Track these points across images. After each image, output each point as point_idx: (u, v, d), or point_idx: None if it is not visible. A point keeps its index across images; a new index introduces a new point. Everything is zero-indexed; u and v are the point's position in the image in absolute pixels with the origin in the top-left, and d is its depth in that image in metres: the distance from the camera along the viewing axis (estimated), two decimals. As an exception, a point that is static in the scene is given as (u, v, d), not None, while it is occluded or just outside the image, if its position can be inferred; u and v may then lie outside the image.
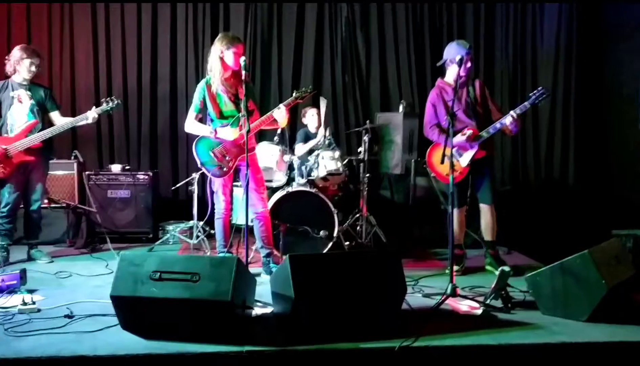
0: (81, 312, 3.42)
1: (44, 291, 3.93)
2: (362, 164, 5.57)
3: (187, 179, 5.25)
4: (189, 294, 2.97)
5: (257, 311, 3.50)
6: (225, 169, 4.26)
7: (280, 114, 4.25)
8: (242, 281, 3.12)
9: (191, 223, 5.35)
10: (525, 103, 4.35)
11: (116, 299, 3.07)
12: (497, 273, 4.49)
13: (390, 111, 6.61)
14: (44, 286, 4.07)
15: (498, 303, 3.65)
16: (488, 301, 3.66)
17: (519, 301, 3.74)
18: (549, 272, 3.51)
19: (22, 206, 4.83)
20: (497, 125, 4.37)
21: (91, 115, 4.61)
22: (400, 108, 6.44)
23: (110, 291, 3.07)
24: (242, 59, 4.05)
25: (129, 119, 6.51)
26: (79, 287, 4.10)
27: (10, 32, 6.30)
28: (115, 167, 5.83)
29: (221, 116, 4.28)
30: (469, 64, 4.42)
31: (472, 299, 3.70)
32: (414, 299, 3.82)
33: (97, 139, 6.49)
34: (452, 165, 3.86)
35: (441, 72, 4.68)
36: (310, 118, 5.86)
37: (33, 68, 4.60)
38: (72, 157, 5.77)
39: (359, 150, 5.65)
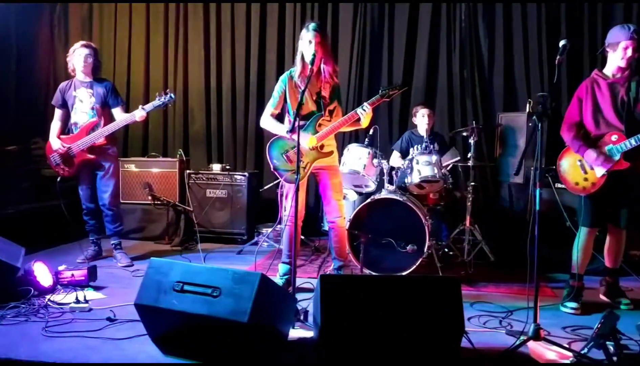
0: (125, 316, 3.31)
1: (110, 289, 3.94)
2: (472, 171, 4.93)
3: (276, 181, 5.00)
4: (206, 310, 2.68)
5: (298, 334, 3.11)
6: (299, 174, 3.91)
7: (363, 114, 3.80)
8: (270, 301, 2.76)
9: (279, 227, 5.11)
10: None
11: (140, 308, 2.88)
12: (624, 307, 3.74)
13: (517, 111, 5.77)
14: (114, 284, 4.09)
15: (600, 355, 2.85)
16: (585, 351, 2.87)
17: (634, 355, 2.90)
18: (670, 321, 2.66)
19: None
20: None
21: (138, 114, 4.48)
22: (527, 107, 5.60)
23: (135, 298, 2.89)
24: (311, 51, 3.69)
25: (237, 118, 6.47)
26: (146, 288, 4.03)
27: (131, 32, 6.62)
28: (216, 167, 5.80)
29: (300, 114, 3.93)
30: (629, 53, 3.56)
31: (566, 346, 2.94)
32: (493, 336, 3.17)
33: (207, 138, 6.54)
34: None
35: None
36: (421, 119, 5.27)
37: (81, 60, 4.58)
38: (177, 156, 5.82)
39: (468, 155, 5.00)
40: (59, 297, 3.60)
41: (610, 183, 3.65)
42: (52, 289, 3.75)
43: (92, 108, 4.64)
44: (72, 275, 3.91)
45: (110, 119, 4.68)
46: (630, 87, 3.63)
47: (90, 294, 3.73)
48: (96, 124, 4.61)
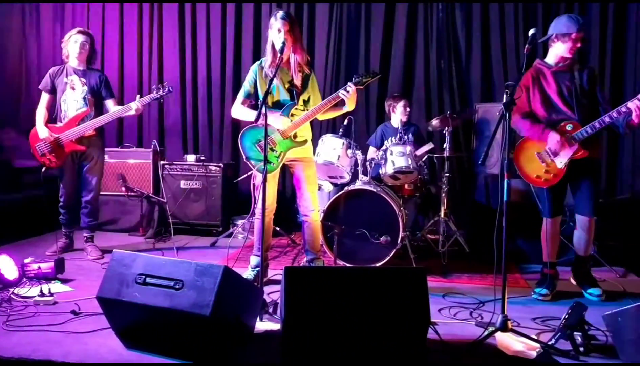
0: (91, 309, 3.24)
1: (78, 282, 3.87)
2: (447, 162, 4.91)
3: (250, 172, 4.93)
4: (168, 303, 2.62)
5: (265, 326, 3.07)
6: (272, 164, 3.85)
7: (347, 96, 3.67)
8: (234, 293, 2.71)
9: (253, 218, 5.05)
10: None
11: (102, 302, 2.82)
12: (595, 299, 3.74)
13: (494, 102, 5.75)
14: (83, 277, 4.01)
15: (567, 345, 2.84)
16: (552, 342, 2.87)
17: (600, 345, 2.90)
18: (635, 312, 2.65)
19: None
20: (614, 114, 3.47)
21: (134, 106, 4.39)
22: (504, 98, 5.57)
23: (97, 291, 2.82)
24: (281, 40, 3.63)
25: (212, 109, 6.40)
26: (115, 280, 3.96)
27: (104, 22, 6.52)
28: (190, 158, 5.73)
29: (272, 104, 3.88)
30: (579, 44, 3.62)
31: (533, 337, 2.92)
32: (463, 327, 3.15)
33: (182, 129, 6.46)
34: (503, 169, 3.11)
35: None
36: (402, 111, 5.16)
37: (77, 46, 4.46)
38: (152, 147, 5.73)
39: (444, 146, 4.97)
40: (24, 290, 3.52)
41: (571, 172, 3.69)
42: (17, 282, 3.67)
43: (84, 98, 4.51)
44: (39, 268, 3.82)
45: (99, 110, 4.58)
46: (574, 75, 3.68)
47: (56, 287, 3.67)
48: (87, 114, 4.49)
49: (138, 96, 4.47)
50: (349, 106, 3.81)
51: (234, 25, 6.28)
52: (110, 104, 4.57)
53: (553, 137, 3.63)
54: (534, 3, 5.69)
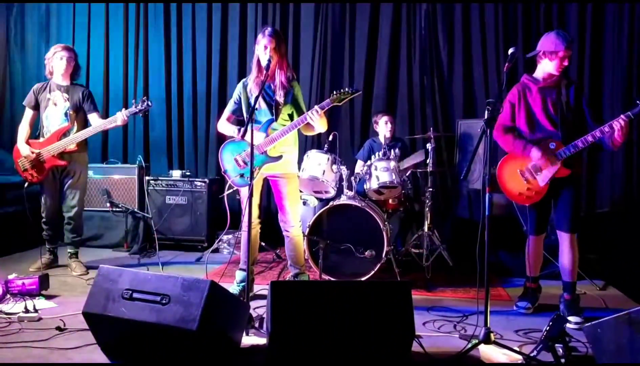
0: (76, 325, 3.24)
1: (62, 298, 3.86)
2: (430, 177, 4.98)
3: (235, 188, 4.95)
4: (155, 318, 2.64)
5: (251, 341, 3.09)
6: (246, 178, 3.88)
7: (312, 119, 3.70)
8: (220, 308, 2.73)
9: (239, 233, 5.07)
10: None
11: (88, 317, 2.82)
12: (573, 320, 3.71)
13: (476, 118, 5.85)
14: (67, 292, 4.00)
15: (549, 357, 2.89)
16: (534, 354, 2.92)
17: (580, 356, 2.96)
18: (614, 323, 2.70)
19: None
20: (597, 133, 3.48)
21: (120, 117, 4.36)
22: (486, 114, 5.67)
23: (83, 307, 2.82)
24: (266, 57, 3.69)
25: (198, 123, 6.42)
26: (100, 296, 3.95)
27: (89, 37, 6.53)
28: (176, 173, 5.74)
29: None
30: (566, 62, 3.63)
31: (516, 349, 2.97)
32: (447, 340, 3.19)
33: (167, 144, 6.47)
34: (485, 184, 3.16)
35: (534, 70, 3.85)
36: (383, 126, 5.30)
37: (63, 63, 4.47)
38: (137, 162, 5.73)
39: (427, 161, 5.04)
40: (8, 307, 3.50)
41: (553, 190, 3.69)
42: (1, 299, 3.64)
43: (66, 113, 4.51)
44: (23, 284, 3.79)
45: (83, 125, 4.57)
46: (561, 91, 3.69)
47: (41, 303, 3.64)
48: (68, 129, 4.49)
49: (123, 109, 4.46)
50: (319, 128, 3.82)
51: (219, 39, 6.32)
52: (94, 118, 4.56)
53: (535, 153, 3.63)
54: (514, 20, 5.82)
